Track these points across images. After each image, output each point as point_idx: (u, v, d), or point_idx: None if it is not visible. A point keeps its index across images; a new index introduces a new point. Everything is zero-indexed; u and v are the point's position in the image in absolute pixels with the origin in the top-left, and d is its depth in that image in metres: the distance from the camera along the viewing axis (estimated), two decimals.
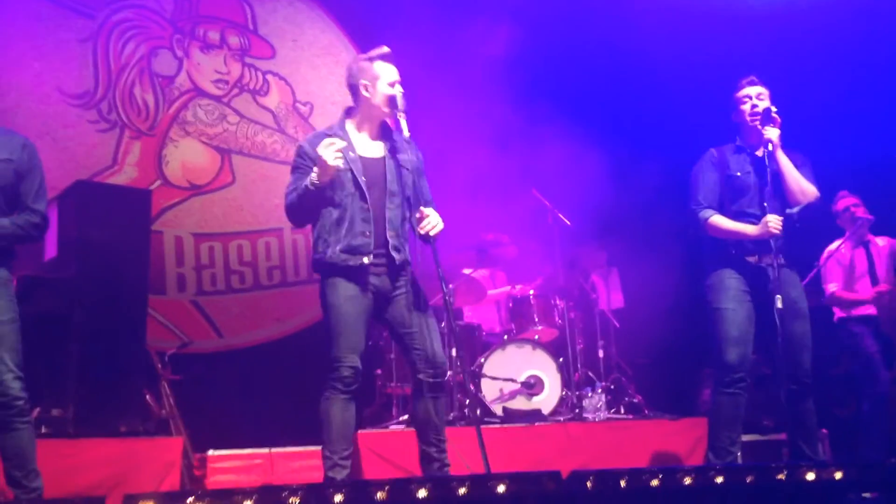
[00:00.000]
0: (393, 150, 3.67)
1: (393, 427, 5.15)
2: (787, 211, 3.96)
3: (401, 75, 3.73)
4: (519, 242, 6.47)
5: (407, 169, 3.65)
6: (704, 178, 4.09)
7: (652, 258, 6.51)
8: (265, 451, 4.40)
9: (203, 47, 6.49)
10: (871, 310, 5.21)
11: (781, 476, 2.81)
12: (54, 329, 4.25)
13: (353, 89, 3.73)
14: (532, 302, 5.95)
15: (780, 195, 3.98)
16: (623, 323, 6.42)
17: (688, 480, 2.67)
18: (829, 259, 5.30)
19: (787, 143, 4.07)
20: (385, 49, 3.71)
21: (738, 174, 4.04)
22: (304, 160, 3.60)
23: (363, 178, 3.53)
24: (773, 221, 3.83)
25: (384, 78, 3.64)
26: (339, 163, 3.39)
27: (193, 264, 6.13)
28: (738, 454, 3.98)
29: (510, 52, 6.80)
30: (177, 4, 6.43)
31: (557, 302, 5.98)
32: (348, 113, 3.77)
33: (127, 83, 6.15)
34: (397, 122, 3.64)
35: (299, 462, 4.43)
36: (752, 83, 4.10)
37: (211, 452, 4.35)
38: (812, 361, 3.94)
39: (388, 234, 3.55)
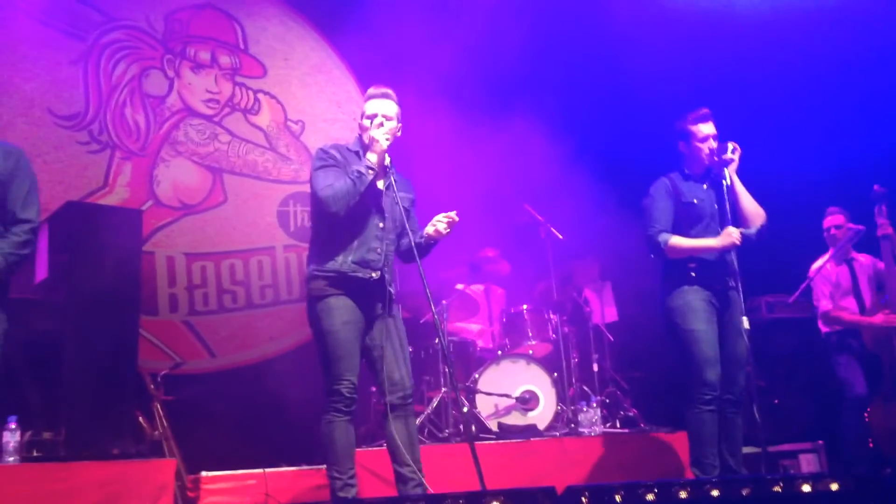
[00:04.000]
0: (391, 186, 3.79)
1: None
2: (744, 232, 4.10)
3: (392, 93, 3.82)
4: (512, 257, 6.46)
5: (403, 207, 3.80)
6: (660, 205, 4.27)
7: (645, 271, 6.50)
8: (259, 471, 4.36)
9: (194, 67, 6.50)
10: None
11: (777, 488, 2.81)
12: (45, 351, 4.22)
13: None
14: (526, 317, 5.94)
15: (733, 220, 4.13)
16: (617, 336, 6.41)
17: (683, 494, 2.67)
18: (817, 276, 5.36)
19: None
20: (372, 90, 3.88)
21: (695, 201, 4.21)
22: (331, 161, 3.74)
23: (379, 199, 3.71)
24: (735, 232, 4.01)
25: (366, 114, 3.83)
26: (387, 144, 3.66)
27: (185, 284, 6.11)
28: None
29: (503, 68, 6.84)
30: (167, 25, 6.44)
31: (551, 316, 5.98)
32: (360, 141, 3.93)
33: (118, 104, 6.15)
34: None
35: (294, 482, 4.39)
36: (705, 119, 4.25)
37: (204, 474, 4.31)
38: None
39: (385, 268, 3.73)
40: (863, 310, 5.33)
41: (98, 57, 6.13)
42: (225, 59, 6.62)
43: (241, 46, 6.72)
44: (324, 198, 3.60)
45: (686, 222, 4.20)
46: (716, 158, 4.18)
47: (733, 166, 4.15)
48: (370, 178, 3.61)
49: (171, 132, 6.31)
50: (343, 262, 3.63)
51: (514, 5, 7.01)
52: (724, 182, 4.12)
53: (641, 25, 6.78)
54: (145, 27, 6.35)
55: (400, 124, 3.84)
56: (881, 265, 5.38)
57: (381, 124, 3.73)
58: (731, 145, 4.17)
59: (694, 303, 4.10)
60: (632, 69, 6.94)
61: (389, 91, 3.85)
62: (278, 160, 6.68)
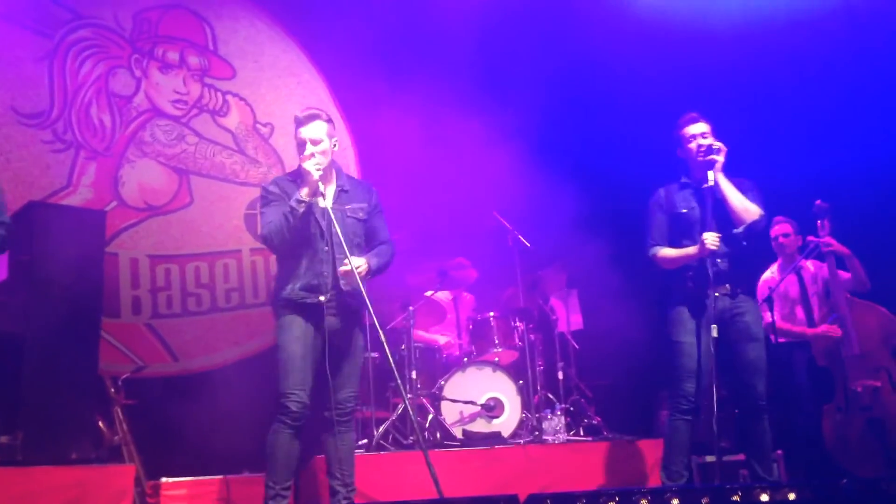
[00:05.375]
0: (341, 200, 3.88)
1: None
2: (734, 231, 4.10)
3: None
4: (479, 265, 6.48)
5: (355, 218, 3.90)
6: (653, 219, 4.33)
7: (611, 280, 6.57)
8: (220, 477, 4.32)
9: (162, 67, 6.43)
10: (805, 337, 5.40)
11: (736, 497, 2.85)
12: (4, 353, 4.15)
13: None
14: (492, 324, 5.96)
15: (726, 223, 4.13)
16: (582, 344, 6.45)
17: (644, 502, 2.69)
18: (764, 286, 5.47)
19: (736, 170, 4.24)
20: (297, 114, 3.92)
21: (684, 210, 4.23)
22: (272, 196, 3.84)
23: (322, 222, 3.79)
24: (709, 238, 3.99)
25: (297, 140, 3.86)
26: (318, 174, 3.70)
27: (149, 287, 6.03)
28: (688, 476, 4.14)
29: (472, 71, 6.86)
30: (136, 24, 6.37)
31: (517, 324, 5.99)
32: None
33: (83, 103, 6.07)
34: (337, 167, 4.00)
35: (255, 489, 4.35)
36: (694, 121, 4.27)
37: (164, 480, 4.27)
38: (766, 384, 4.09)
39: (341, 282, 3.79)
40: (811, 319, 5.43)
41: (64, 55, 6.04)
42: (194, 60, 6.56)
43: (211, 47, 6.66)
44: (262, 236, 3.81)
45: (679, 232, 4.22)
46: (699, 159, 4.17)
47: (717, 166, 4.12)
48: (301, 210, 3.70)
49: (137, 132, 6.24)
50: (292, 289, 3.78)
51: (486, 11, 7.03)
52: (706, 185, 4.11)
53: (613, 35, 6.83)
54: (113, 26, 6.27)
55: (333, 139, 3.88)
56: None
57: (313, 154, 3.77)
58: (714, 145, 4.16)
59: (683, 314, 4.14)
60: (602, 79, 7.00)
61: (316, 111, 3.91)
62: (246, 163, 6.63)
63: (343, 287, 3.78)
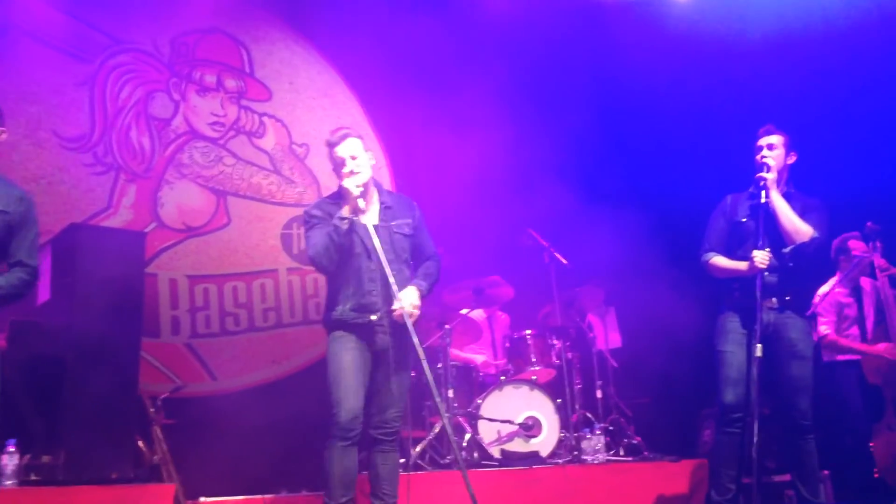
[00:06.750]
0: (386, 217, 3.87)
1: None
2: (783, 251, 4.02)
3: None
4: (515, 282, 6.44)
5: (401, 234, 3.87)
6: (713, 224, 4.31)
7: (649, 297, 6.49)
8: (259, 497, 4.32)
9: (199, 90, 6.52)
10: (857, 356, 5.25)
11: None
12: (46, 373, 4.20)
13: None
14: (529, 342, 5.91)
15: (780, 239, 4.08)
16: (621, 362, 6.37)
17: None
18: (823, 300, 5.33)
19: (805, 187, 4.24)
20: (329, 137, 3.91)
21: (744, 220, 4.19)
22: (316, 220, 3.82)
23: (367, 240, 3.75)
24: (758, 256, 3.96)
25: (336, 162, 3.85)
26: (359, 191, 3.68)
27: (188, 307, 6.08)
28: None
29: (505, 88, 6.86)
30: (174, 48, 6.47)
31: (555, 342, 5.94)
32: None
33: (123, 126, 6.16)
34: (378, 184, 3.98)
35: None
36: (764, 133, 4.24)
37: (203, 499, 4.27)
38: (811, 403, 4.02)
39: (394, 304, 3.73)
40: (864, 339, 5.30)
41: (104, 79, 6.15)
42: (230, 83, 6.65)
43: (247, 70, 6.75)
44: (310, 258, 3.77)
45: (735, 242, 4.20)
46: (756, 175, 4.15)
47: (767, 183, 4.09)
48: (344, 228, 3.69)
49: (175, 154, 6.32)
50: (343, 310, 3.77)
51: (518, 28, 7.04)
52: (760, 200, 4.08)
53: (651, 52, 6.78)
54: (151, 50, 6.37)
55: (369, 153, 3.89)
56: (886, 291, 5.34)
57: (352, 172, 3.77)
58: (766, 163, 4.12)
59: (729, 325, 4.11)
60: (636, 93, 6.96)
61: (346, 129, 3.92)
62: (282, 183, 6.68)
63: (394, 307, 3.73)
